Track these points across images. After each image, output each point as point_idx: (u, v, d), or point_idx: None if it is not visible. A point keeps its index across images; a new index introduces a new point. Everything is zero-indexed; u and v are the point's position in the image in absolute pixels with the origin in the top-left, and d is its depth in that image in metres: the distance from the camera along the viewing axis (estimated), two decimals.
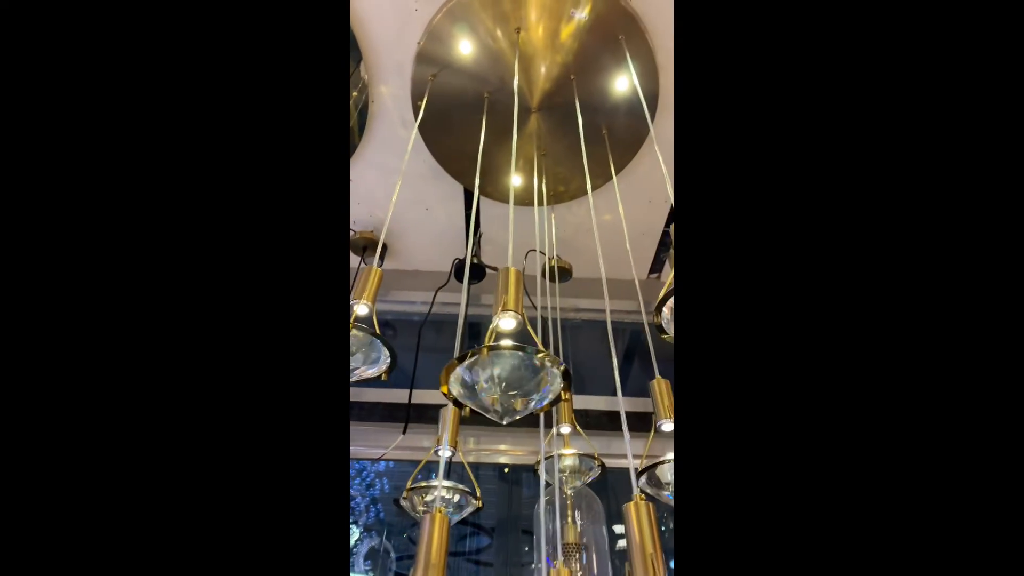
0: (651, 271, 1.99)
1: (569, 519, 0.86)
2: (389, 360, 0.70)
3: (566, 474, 0.89)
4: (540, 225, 1.60)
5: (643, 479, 0.80)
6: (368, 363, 0.70)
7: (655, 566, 0.53)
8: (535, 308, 1.63)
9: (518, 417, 0.52)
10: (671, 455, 0.77)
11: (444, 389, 0.54)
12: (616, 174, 1.52)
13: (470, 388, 0.53)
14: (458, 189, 1.69)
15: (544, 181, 1.61)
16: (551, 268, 1.66)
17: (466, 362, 0.53)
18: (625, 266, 1.31)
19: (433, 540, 0.52)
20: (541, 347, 0.52)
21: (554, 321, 1.41)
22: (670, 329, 0.65)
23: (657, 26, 1.31)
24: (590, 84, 1.38)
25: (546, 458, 0.76)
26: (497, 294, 0.61)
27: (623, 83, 1.38)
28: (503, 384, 0.52)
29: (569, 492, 0.88)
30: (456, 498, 0.76)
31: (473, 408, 0.53)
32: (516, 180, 1.59)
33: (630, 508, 0.56)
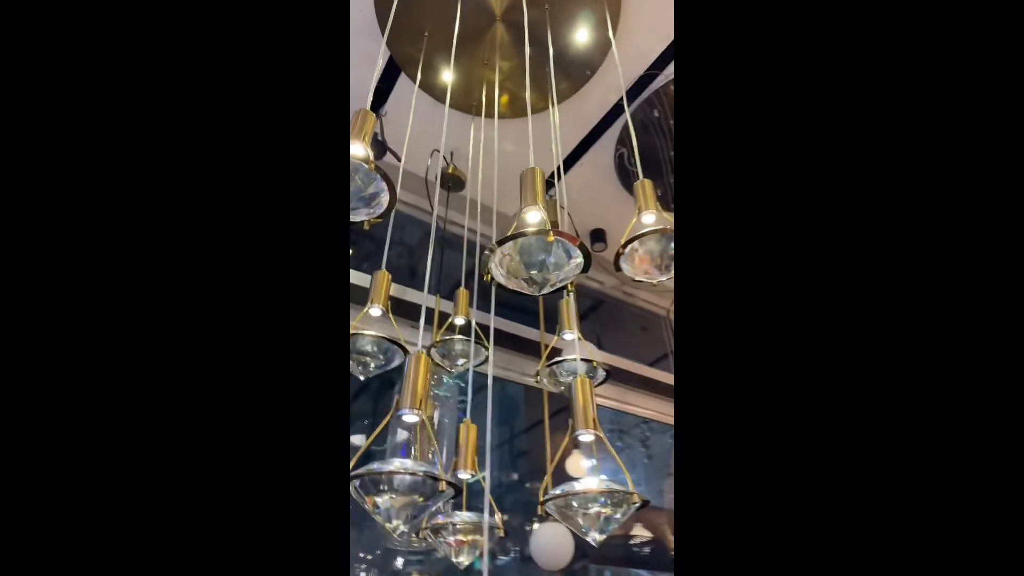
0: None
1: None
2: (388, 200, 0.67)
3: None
4: (477, 135, 1.64)
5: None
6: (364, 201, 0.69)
7: (595, 424, 0.71)
8: (430, 211, 1.70)
9: (549, 290, 0.63)
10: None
11: (488, 278, 0.63)
12: (557, 103, 1.60)
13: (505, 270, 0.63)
14: (374, 54, 1.58)
15: (483, 90, 1.63)
16: (446, 173, 1.72)
17: (502, 247, 0.63)
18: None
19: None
20: (561, 231, 0.62)
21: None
22: (626, 267, 0.79)
23: None
24: (560, 14, 1.42)
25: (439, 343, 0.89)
26: (523, 190, 0.70)
27: (586, 27, 1.45)
28: (533, 265, 0.62)
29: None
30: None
31: (512, 287, 0.63)
32: (451, 78, 1.58)
33: (577, 382, 0.72)
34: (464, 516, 0.71)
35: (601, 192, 2.03)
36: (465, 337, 1.08)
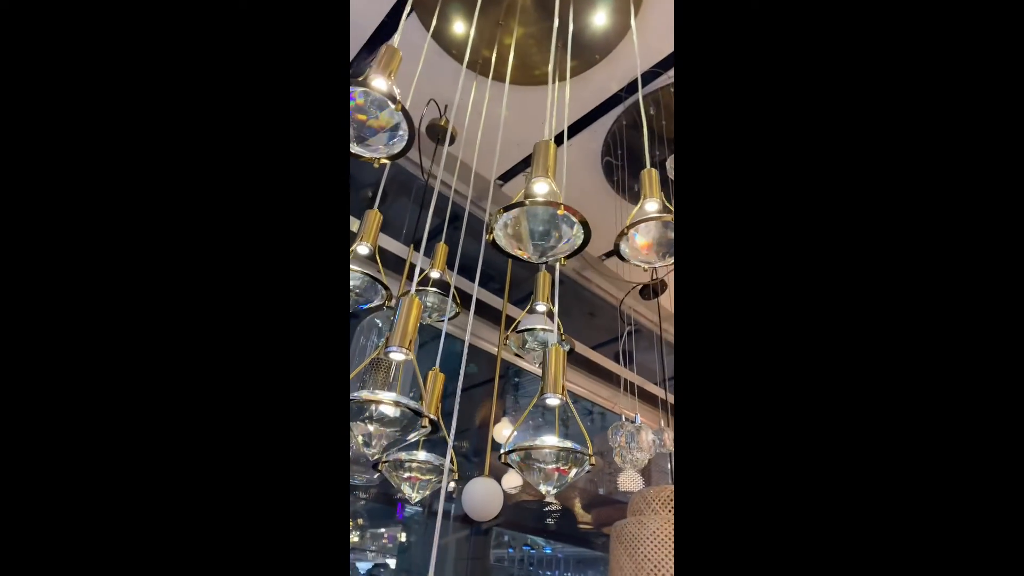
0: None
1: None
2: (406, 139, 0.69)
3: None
4: (468, 92, 1.63)
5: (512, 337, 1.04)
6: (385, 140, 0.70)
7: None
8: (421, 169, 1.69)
9: (547, 260, 0.67)
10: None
11: (490, 238, 0.66)
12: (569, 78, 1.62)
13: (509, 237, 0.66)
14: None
15: (493, 51, 1.62)
16: (438, 125, 1.72)
17: (507, 213, 0.66)
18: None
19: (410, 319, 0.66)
20: (563, 203, 0.66)
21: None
22: (626, 250, 0.83)
23: None
24: None
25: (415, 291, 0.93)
26: (534, 162, 0.73)
27: (607, 11, 1.46)
28: (535, 233, 0.66)
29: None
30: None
31: (512, 251, 0.66)
32: (468, 32, 1.56)
33: (552, 350, 0.77)
34: (422, 456, 0.76)
35: (581, 176, 2.07)
36: (439, 290, 1.11)
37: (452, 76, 1.68)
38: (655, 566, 1.40)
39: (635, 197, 2.04)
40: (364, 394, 0.57)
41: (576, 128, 1.89)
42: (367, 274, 0.86)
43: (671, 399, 2.49)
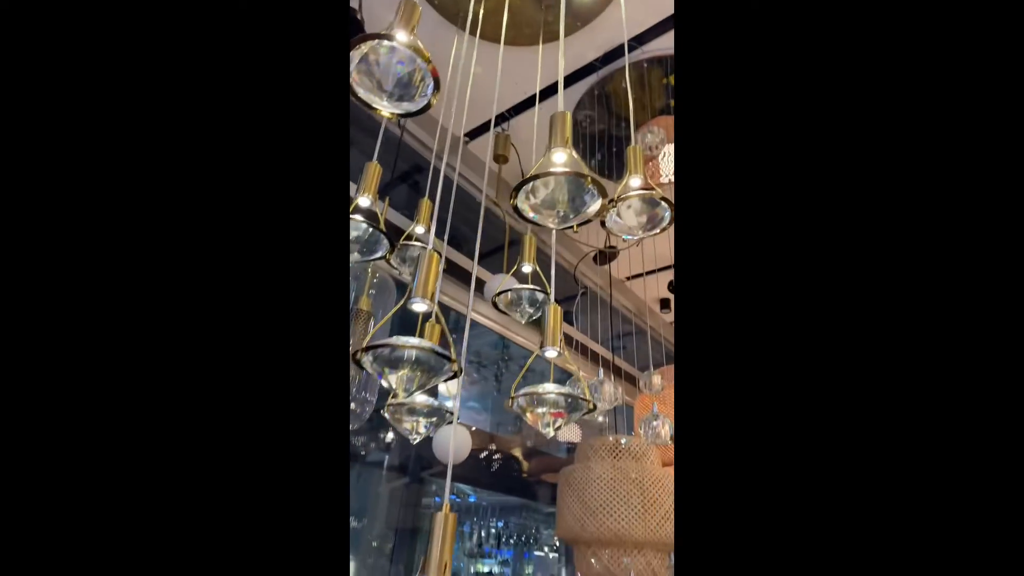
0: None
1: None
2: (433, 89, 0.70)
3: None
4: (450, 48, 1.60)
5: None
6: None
7: None
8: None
9: (567, 226, 0.72)
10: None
11: (512, 202, 0.69)
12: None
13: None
14: None
15: (481, 5, 1.60)
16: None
17: (529, 183, 0.70)
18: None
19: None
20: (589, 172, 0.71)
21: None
22: (611, 224, 0.89)
23: None
24: None
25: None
26: (552, 132, 0.77)
27: None
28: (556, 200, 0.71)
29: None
30: None
31: (535, 218, 0.71)
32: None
33: (550, 309, 0.84)
34: (423, 399, 0.81)
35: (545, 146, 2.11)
36: (424, 245, 1.14)
37: (429, 27, 1.64)
38: (600, 506, 1.56)
39: (598, 168, 2.11)
40: (394, 340, 0.61)
41: (549, 92, 1.91)
42: (372, 225, 0.87)
43: (613, 359, 2.66)
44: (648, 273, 2.65)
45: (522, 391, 0.73)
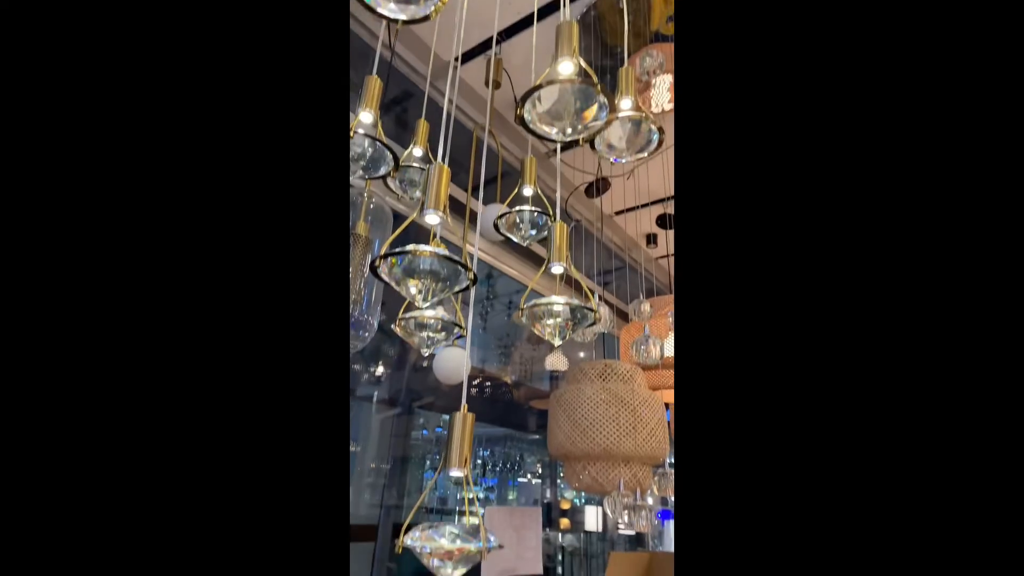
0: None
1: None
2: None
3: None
4: None
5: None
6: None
7: None
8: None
9: (572, 138, 0.73)
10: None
11: (519, 111, 0.69)
12: None
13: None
14: None
15: None
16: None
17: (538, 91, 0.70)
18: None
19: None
20: (597, 82, 0.71)
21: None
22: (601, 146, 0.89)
23: None
24: None
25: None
26: (559, 42, 0.76)
27: None
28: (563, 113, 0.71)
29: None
30: None
31: (541, 129, 0.70)
32: None
33: (556, 226, 0.85)
34: (433, 312, 0.84)
35: (543, 65, 2.05)
36: (422, 166, 1.13)
37: None
38: (590, 424, 1.65)
39: None
40: (412, 247, 0.62)
41: (544, 13, 1.84)
42: (376, 139, 0.86)
43: (603, 292, 2.72)
44: (636, 208, 2.66)
45: (531, 302, 0.76)
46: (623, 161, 0.93)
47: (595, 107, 0.69)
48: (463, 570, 0.63)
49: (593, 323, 0.78)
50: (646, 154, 0.90)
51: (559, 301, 0.76)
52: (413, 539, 0.61)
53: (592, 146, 0.91)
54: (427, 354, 0.84)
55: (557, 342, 0.78)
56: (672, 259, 3.18)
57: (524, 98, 0.71)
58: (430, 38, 1.94)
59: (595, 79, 0.68)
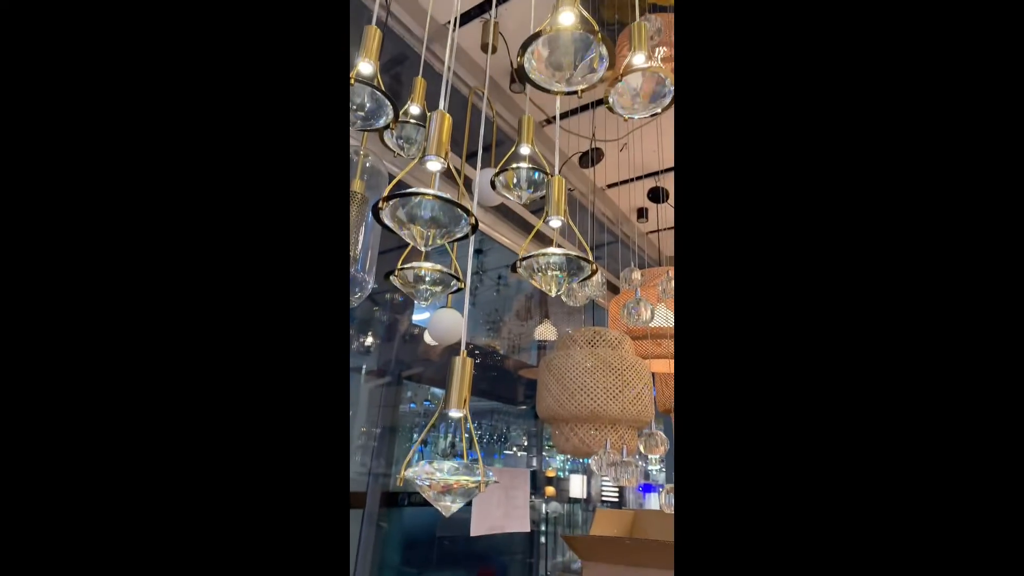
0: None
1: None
2: None
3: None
4: None
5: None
6: None
7: None
8: None
9: (571, 89, 0.73)
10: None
11: (519, 59, 0.69)
12: None
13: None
14: None
15: None
16: None
17: (537, 41, 0.70)
18: None
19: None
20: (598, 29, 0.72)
21: None
22: (615, 99, 0.90)
23: None
24: None
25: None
26: None
27: None
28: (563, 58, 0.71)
29: None
30: None
31: (540, 80, 0.71)
32: None
33: (554, 181, 0.86)
34: (432, 264, 0.85)
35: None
36: (419, 123, 1.13)
37: None
38: (579, 387, 1.68)
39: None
40: (416, 190, 0.63)
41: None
42: (375, 87, 0.85)
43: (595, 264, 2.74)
44: (628, 181, 2.67)
45: (528, 255, 0.78)
46: (636, 118, 0.93)
47: (595, 57, 0.70)
48: (461, 503, 0.66)
49: (591, 275, 0.80)
50: (659, 109, 0.90)
51: (556, 252, 0.78)
52: (415, 471, 0.64)
53: (606, 103, 0.91)
54: (426, 304, 0.86)
55: (554, 292, 0.80)
56: (662, 234, 3.21)
57: (525, 46, 0.71)
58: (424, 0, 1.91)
59: (595, 27, 0.69)
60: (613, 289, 2.91)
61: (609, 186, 2.82)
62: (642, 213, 2.97)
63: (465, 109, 1.78)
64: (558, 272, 0.79)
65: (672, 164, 2.54)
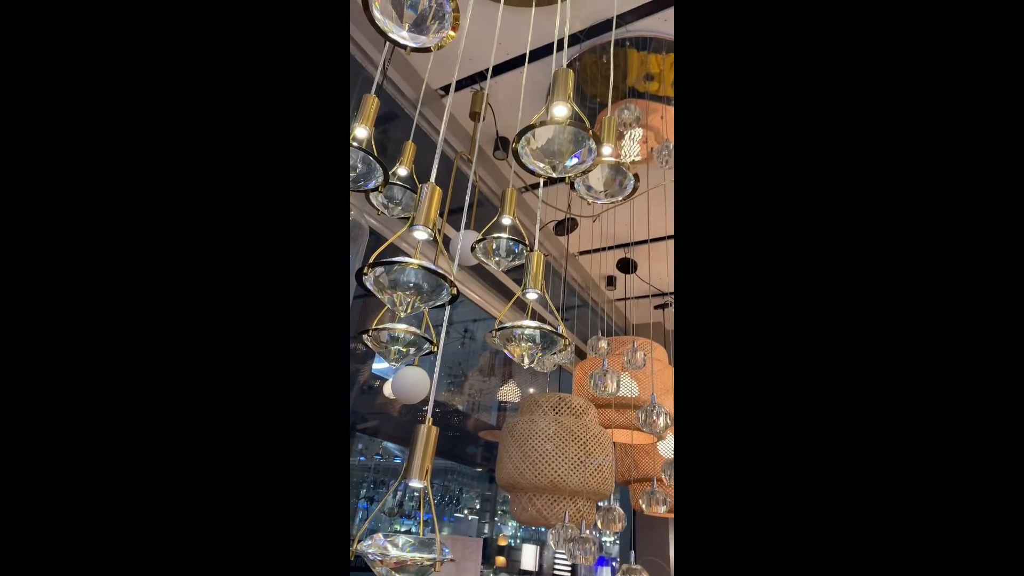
0: None
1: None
2: None
3: None
4: None
5: None
6: None
7: None
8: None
9: (561, 176, 0.77)
10: None
11: (514, 145, 0.74)
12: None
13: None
14: None
15: None
16: None
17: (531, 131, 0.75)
18: None
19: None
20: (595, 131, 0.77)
21: None
22: (581, 187, 0.96)
23: None
24: None
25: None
26: (554, 87, 0.82)
27: None
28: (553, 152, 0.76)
29: None
30: None
31: (533, 166, 0.75)
32: None
33: (533, 256, 0.89)
34: (406, 326, 0.86)
35: (527, 105, 2.15)
36: (406, 186, 1.16)
37: None
38: (540, 456, 1.66)
39: None
40: (401, 259, 0.64)
41: (532, 57, 1.94)
42: (368, 152, 0.88)
43: (563, 327, 2.77)
44: (599, 250, 2.77)
45: (504, 325, 0.79)
46: (600, 203, 0.99)
47: (585, 150, 0.75)
48: None
49: (563, 348, 0.82)
50: (621, 199, 0.97)
51: (531, 325, 0.80)
52: (366, 545, 0.61)
53: (572, 186, 0.97)
54: (396, 366, 0.85)
55: (527, 364, 0.81)
56: (629, 303, 3.28)
57: (521, 134, 0.76)
58: (418, 63, 2.00)
59: (587, 124, 0.74)
60: (580, 353, 2.94)
61: (581, 252, 2.90)
62: (611, 281, 3.05)
63: (449, 169, 1.84)
64: (531, 343, 0.81)
65: (642, 238, 2.64)
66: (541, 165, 0.77)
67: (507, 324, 0.79)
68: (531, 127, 0.77)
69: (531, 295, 0.85)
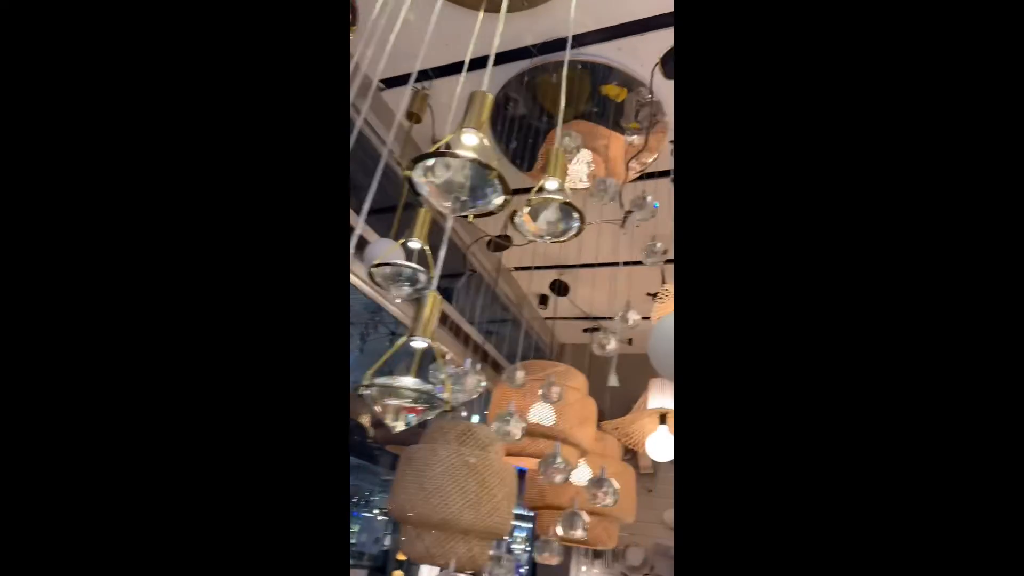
0: None
1: None
2: None
3: None
4: None
5: None
6: None
7: None
8: None
9: (464, 214, 0.67)
10: None
11: (406, 172, 0.63)
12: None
13: None
14: None
15: None
16: None
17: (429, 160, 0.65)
18: None
19: None
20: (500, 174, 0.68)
21: None
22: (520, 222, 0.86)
23: None
24: None
25: None
26: (469, 110, 0.71)
27: None
28: None
29: None
30: None
31: (432, 199, 0.64)
32: None
33: (428, 297, 0.79)
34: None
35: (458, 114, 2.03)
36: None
37: None
38: (435, 489, 1.55)
39: (512, 154, 2.07)
40: (383, 380, 0.63)
41: (479, 64, 1.83)
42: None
43: (484, 344, 2.68)
44: (533, 269, 2.70)
45: (377, 380, 0.67)
46: (545, 240, 0.88)
47: (488, 191, 0.65)
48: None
49: (445, 411, 0.71)
50: (564, 239, 0.87)
51: (408, 384, 0.69)
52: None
53: (512, 221, 0.86)
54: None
55: (399, 427, 0.70)
56: (558, 323, 3.24)
57: (415, 161, 0.65)
58: (356, 50, 1.84)
59: (494, 161, 0.64)
60: (501, 371, 2.85)
61: (516, 269, 2.82)
62: (543, 300, 2.99)
63: (377, 164, 1.70)
64: (409, 403, 0.70)
65: (576, 262, 2.60)
66: (443, 202, 0.67)
67: (374, 382, 0.67)
68: (430, 155, 0.66)
69: (417, 343, 0.74)
